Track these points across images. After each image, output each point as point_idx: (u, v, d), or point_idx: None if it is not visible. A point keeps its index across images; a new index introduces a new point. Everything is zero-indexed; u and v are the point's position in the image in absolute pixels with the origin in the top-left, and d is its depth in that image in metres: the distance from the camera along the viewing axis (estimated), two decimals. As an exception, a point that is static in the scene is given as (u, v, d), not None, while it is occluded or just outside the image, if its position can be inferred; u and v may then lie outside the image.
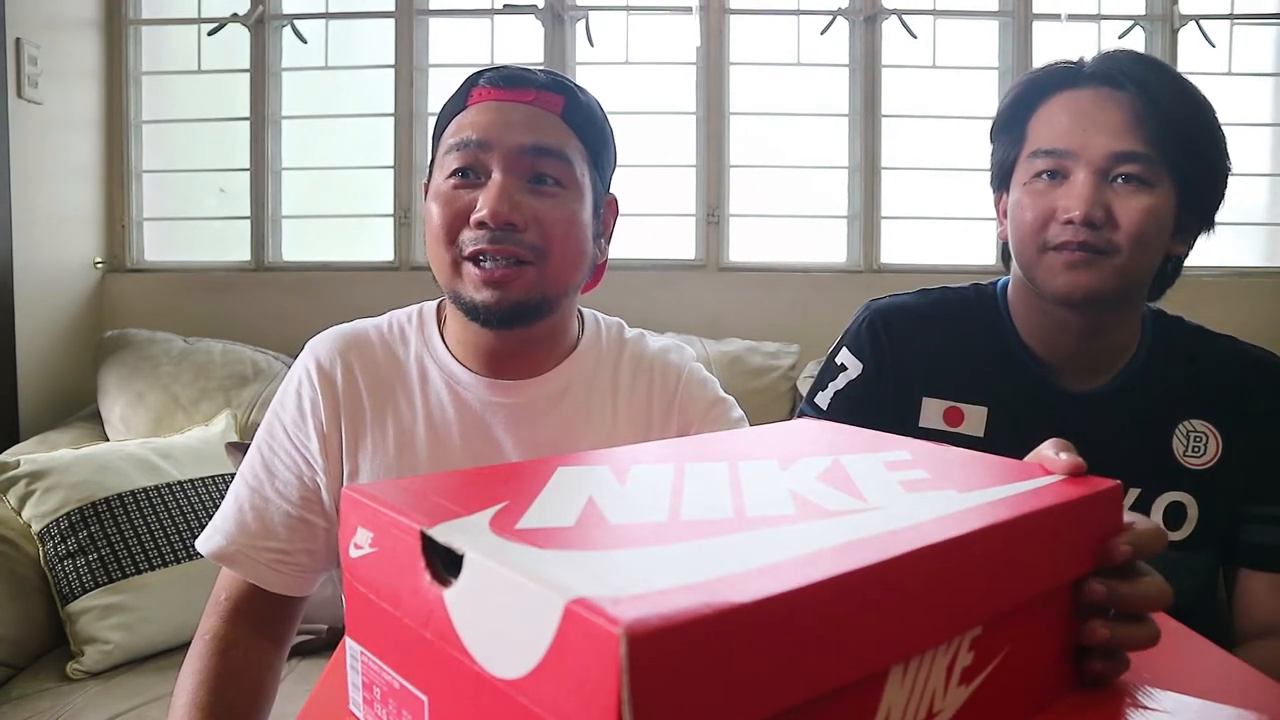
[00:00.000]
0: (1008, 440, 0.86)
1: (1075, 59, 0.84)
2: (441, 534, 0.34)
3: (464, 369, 0.83)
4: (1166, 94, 0.78)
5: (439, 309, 0.88)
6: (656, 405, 0.86)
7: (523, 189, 0.76)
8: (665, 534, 0.35)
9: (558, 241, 0.77)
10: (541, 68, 0.83)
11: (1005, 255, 0.89)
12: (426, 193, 0.82)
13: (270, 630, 0.83)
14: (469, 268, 0.76)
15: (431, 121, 2.31)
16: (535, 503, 0.39)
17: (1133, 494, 0.85)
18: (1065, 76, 0.82)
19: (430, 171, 0.82)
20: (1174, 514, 0.84)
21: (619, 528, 0.36)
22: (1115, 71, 0.80)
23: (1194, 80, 0.82)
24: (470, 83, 0.80)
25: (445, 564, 0.34)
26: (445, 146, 0.79)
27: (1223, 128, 0.82)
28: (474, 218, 0.75)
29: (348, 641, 0.41)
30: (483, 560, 0.32)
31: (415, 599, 0.35)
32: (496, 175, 0.75)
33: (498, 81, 0.79)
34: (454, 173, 0.77)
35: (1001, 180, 0.86)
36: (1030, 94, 0.85)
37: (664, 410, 0.86)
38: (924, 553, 0.34)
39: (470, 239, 0.75)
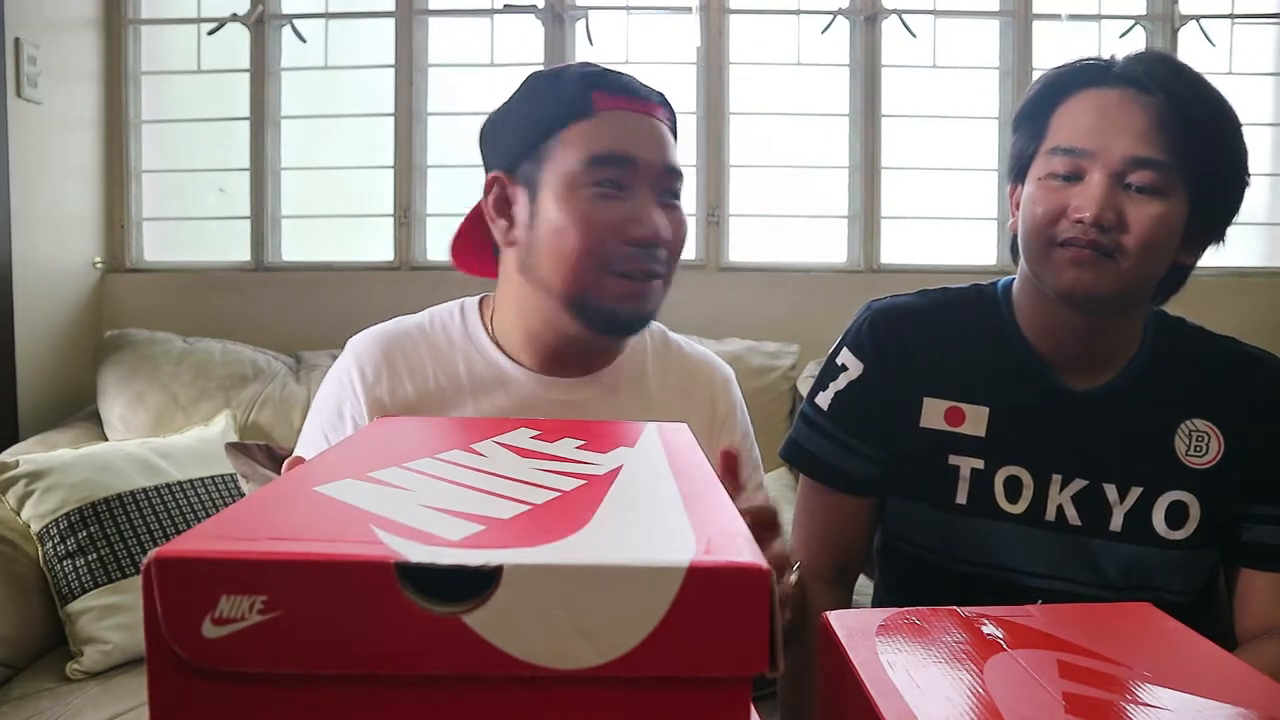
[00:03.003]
0: (1010, 440, 0.87)
1: (1107, 57, 0.83)
2: (434, 557, 0.34)
3: (514, 364, 0.85)
4: (1192, 103, 0.77)
5: (481, 304, 0.90)
6: (699, 406, 0.90)
7: (659, 205, 0.80)
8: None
9: (677, 255, 0.83)
10: (633, 76, 0.84)
11: (1014, 250, 0.88)
12: (501, 188, 0.82)
13: None
14: (614, 280, 0.78)
15: (431, 121, 2.32)
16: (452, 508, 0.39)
17: (1134, 492, 0.85)
18: (1093, 74, 0.81)
19: (528, 168, 0.80)
20: (1175, 513, 0.84)
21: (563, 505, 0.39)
22: (1143, 74, 0.79)
23: (1211, 82, 0.81)
24: (590, 84, 0.80)
25: (447, 588, 0.34)
26: (581, 154, 0.78)
27: (1245, 141, 0.81)
28: (636, 233, 0.78)
29: None
30: (543, 563, 0.33)
31: (387, 641, 0.34)
32: (648, 194, 0.79)
33: (623, 90, 0.81)
34: (599, 184, 0.78)
35: (1019, 173, 0.86)
36: (1056, 88, 0.83)
37: (706, 411, 0.90)
38: None
39: (627, 255, 0.78)
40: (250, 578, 0.34)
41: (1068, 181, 0.80)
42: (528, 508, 0.40)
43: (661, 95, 0.85)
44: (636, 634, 0.33)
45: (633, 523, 0.39)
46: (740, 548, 0.35)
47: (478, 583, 0.33)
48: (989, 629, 0.52)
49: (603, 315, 0.79)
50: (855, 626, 0.51)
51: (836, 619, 0.52)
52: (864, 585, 1.03)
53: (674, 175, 0.81)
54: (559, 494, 0.41)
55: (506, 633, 0.33)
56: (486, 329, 0.87)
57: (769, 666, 0.34)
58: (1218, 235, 0.85)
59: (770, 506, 0.64)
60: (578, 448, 0.50)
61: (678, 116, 0.88)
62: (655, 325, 0.93)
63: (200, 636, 0.34)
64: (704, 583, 0.33)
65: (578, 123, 0.79)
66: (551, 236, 0.78)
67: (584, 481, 0.42)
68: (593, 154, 0.77)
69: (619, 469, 0.46)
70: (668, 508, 0.40)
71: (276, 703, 0.35)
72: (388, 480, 0.44)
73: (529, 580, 0.33)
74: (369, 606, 0.34)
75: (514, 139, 0.82)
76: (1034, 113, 0.85)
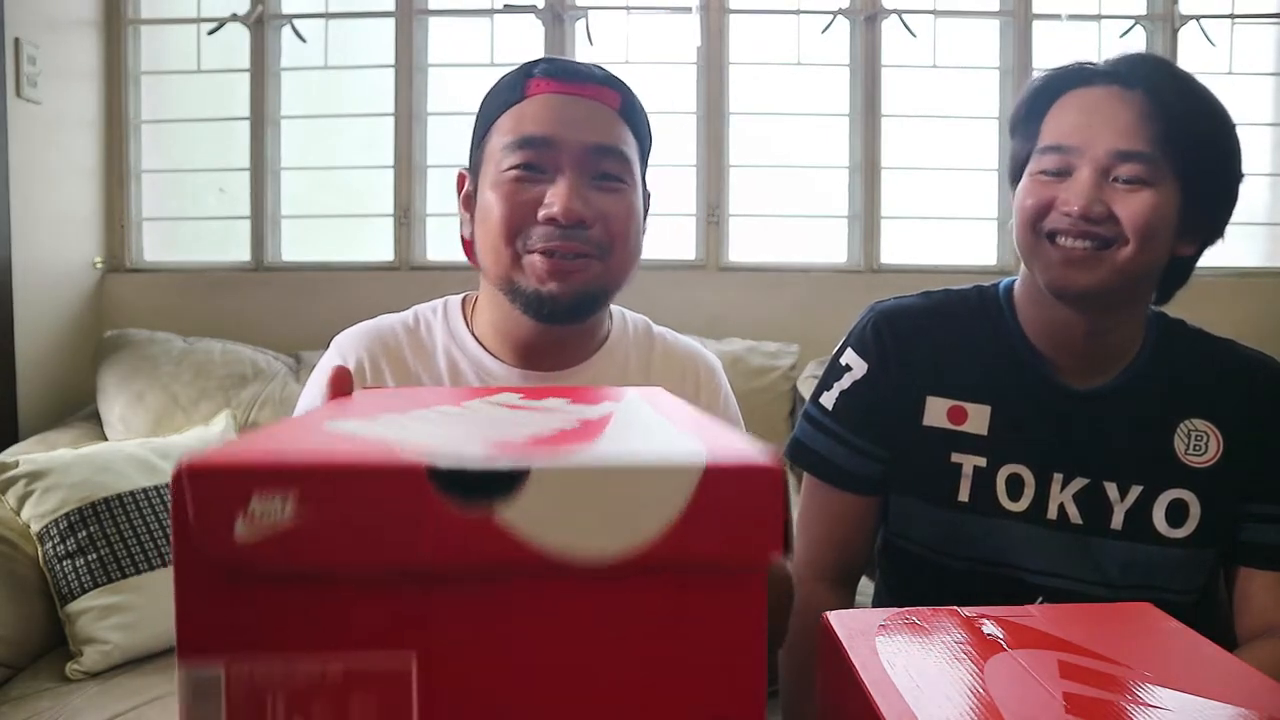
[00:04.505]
0: (1011, 438, 0.88)
1: (1093, 60, 0.85)
2: (463, 462, 0.35)
3: (495, 360, 0.84)
4: (1175, 95, 0.79)
5: (464, 302, 0.90)
6: (683, 396, 0.88)
7: (589, 186, 0.78)
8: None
9: (619, 238, 0.80)
10: (592, 63, 0.84)
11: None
12: (466, 183, 0.84)
13: None
14: (534, 260, 0.77)
15: (432, 121, 2.32)
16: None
17: (1135, 491, 0.85)
18: (1079, 75, 0.84)
19: (475, 159, 0.83)
20: (1176, 511, 0.85)
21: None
22: (1126, 72, 0.81)
23: (1198, 79, 0.82)
24: (525, 72, 0.81)
25: (477, 488, 0.36)
26: (505, 139, 0.79)
27: (1236, 133, 0.82)
28: (543, 214, 0.76)
29: (187, 673, 0.37)
30: (569, 465, 0.36)
31: (419, 539, 0.36)
32: (567, 173, 0.77)
33: (556, 74, 0.80)
34: (517, 166, 0.77)
35: (1016, 175, 0.87)
36: (1046, 92, 0.86)
37: (690, 401, 0.87)
38: None
39: (540, 235, 0.77)
40: (283, 480, 0.35)
41: (1057, 177, 0.81)
42: (536, 434, 0.41)
43: (607, 76, 0.82)
44: (657, 527, 0.36)
45: (643, 439, 0.41)
46: (750, 451, 0.37)
47: (505, 485, 0.35)
48: (989, 629, 0.52)
49: (530, 297, 0.78)
50: (855, 626, 0.51)
51: (836, 619, 0.52)
52: (864, 585, 1.03)
53: (604, 154, 0.78)
54: (561, 429, 0.43)
55: (535, 528, 0.35)
56: (468, 325, 0.87)
57: (784, 551, 0.38)
58: (1217, 229, 0.85)
59: None
60: (567, 402, 0.51)
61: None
62: (639, 318, 0.93)
63: (232, 539, 0.35)
64: (720, 479, 0.36)
65: (509, 109, 0.80)
66: (482, 223, 0.80)
67: (581, 422, 0.44)
68: (513, 137, 0.78)
69: (611, 414, 0.47)
70: (671, 432, 0.42)
71: (308, 604, 0.36)
72: (394, 421, 0.44)
73: (556, 480, 0.35)
74: (401, 507, 0.35)
75: (472, 134, 0.85)
76: (1027, 116, 0.87)
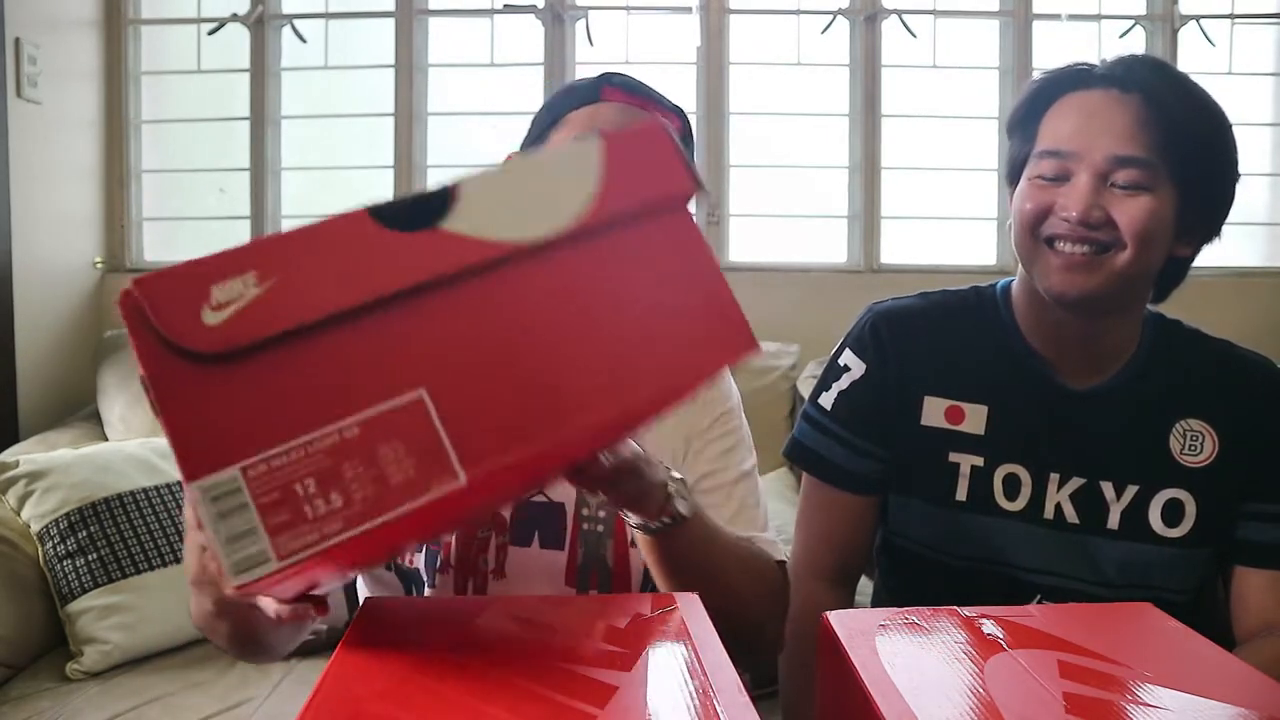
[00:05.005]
0: (1009, 437, 0.88)
1: (1091, 61, 0.85)
2: (396, 200, 0.40)
3: None
4: (1172, 99, 0.79)
5: None
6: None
7: None
8: None
9: None
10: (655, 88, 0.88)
11: None
12: None
13: None
14: None
15: (432, 121, 2.32)
16: None
17: (1131, 491, 0.86)
18: (1077, 78, 0.84)
19: (537, 145, 0.85)
20: (1172, 511, 0.85)
21: None
22: (1123, 74, 0.81)
23: (1194, 80, 0.83)
24: (604, 79, 0.84)
25: (413, 215, 0.39)
26: (574, 134, 0.81)
27: (1233, 134, 0.82)
28: None
29: (197, 487, 0.35)
30: (488, 171, 0.41)
31: (380, 267, 0.38)
32: None
33: (630, 88, 0.84)
34: None
35: (1014, 176, 0.88)
36: (1043, 94, 0.86)
37: (691, 403, 0.88)
38: None
39: None
40: (236, 263, 0.37)
41: (1055, 182, 0.81)
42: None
43: (676, 107, 0.87)
44: (584, 196, 0.42)
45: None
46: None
47: (440, 205, 0.40)
48: (989, 629, 0.52)
49: None
50: (855, 626, 0.51)
51: (836, 619, 0.52)
52: (864, 585, 1.03)
53: None
54: None
55: (477, 224, 0.40)
56: None
57: (694, 186, 0.44)
58: (1214, 229, 0.85)
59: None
60: None
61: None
62: None
63: (203, 326, 0.36)
64: (618, 144, 0.43)
65: (582, 108, 0.82)
66: None
67: None
68: (580, 134, 0.80)
69: None
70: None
71: (301, 368, 0.37)
72: None
73: (483, 186, 0.41)
74: (355, 249, 0.38)
75: (533, 125, 0.87)
76: (1025, 118, 0.87)
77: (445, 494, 0.37)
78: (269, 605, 0.48)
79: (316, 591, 0.50)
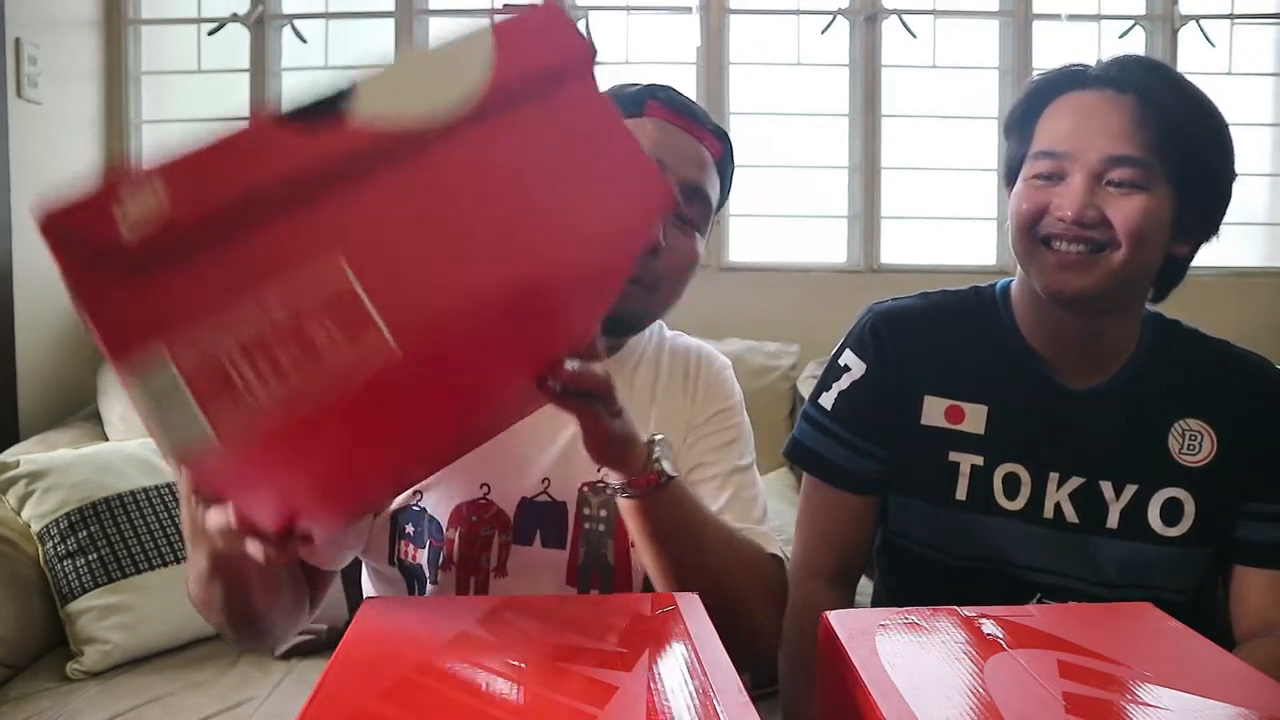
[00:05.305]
0: (1008, 437, 0.88)
1: (1086, 62, 0.86)
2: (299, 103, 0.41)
3: None
4: (1167, 98, 0.80)
5: None
6: (688, 393, 0.89)
7: (670, 221, 0.81)
8: None
9: (673, 277, 0.83)
10: (701, 108, 0.88)
11: None
12: None
13: (296, 589, 0.79)
14: None
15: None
16: None
17: (1130, 490, 0.86)
18: (1072, 79, 0.84)
19: None
20: (1171, 510, 0.85)
21: None
22: (1118, 75, 0.81)
23: (1194, 80, 0.83)
24: (649, 93, 0.83)
25: (315, 111, 0.40)
26: None
27: (1229, 134, 0.83)
28: None
29: (127, 370, 0.36)
30: (384, 65, 0.43)
31: (291, 160, 0.39)
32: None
33: (675, 105, 0.83)
34: None
35: (1011, 177, 0.88)
36: (1040, 95, 0.86)
37: (692, 397, 0.89)
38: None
39: None
40: (147, 175, 0.38)
41: (1051, 181, 0.82)
42: None
43: (719, 128, 0.86)
44: (480, 73, 0.43)
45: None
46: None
47: (345, 98, 0.41)
48: (989, 629, 0.52)
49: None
50: (855, 626, 0.51)
51: (837, 619, 0.52)
52: (864, 585, 1.03)
53: (694, 196, 0.82)
54: None
55: (381, 111, 0.40)
56: None
57: (590, 49, 0.46)
58: (1212, 228, 0.86)
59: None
60: None
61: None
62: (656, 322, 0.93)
63: (119, 234, 0.37)
64: (510, 24, 0.45)
65: (626, 120, 0.81)
66: None
67: None
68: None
69: None
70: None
71: (220, 256, 0.37)
72: None
73: (381, 77, 0.42)
74: (261, 149, 0.39)
75: None
76: (1021, 119, 0.88)
77: (382, 364, 0.37)
78: (256, 549, 0.49)
79: (303, 534, 0.51)
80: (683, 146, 0.82)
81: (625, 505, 0.71)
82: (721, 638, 0.50)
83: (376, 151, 0.40)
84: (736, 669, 0.46)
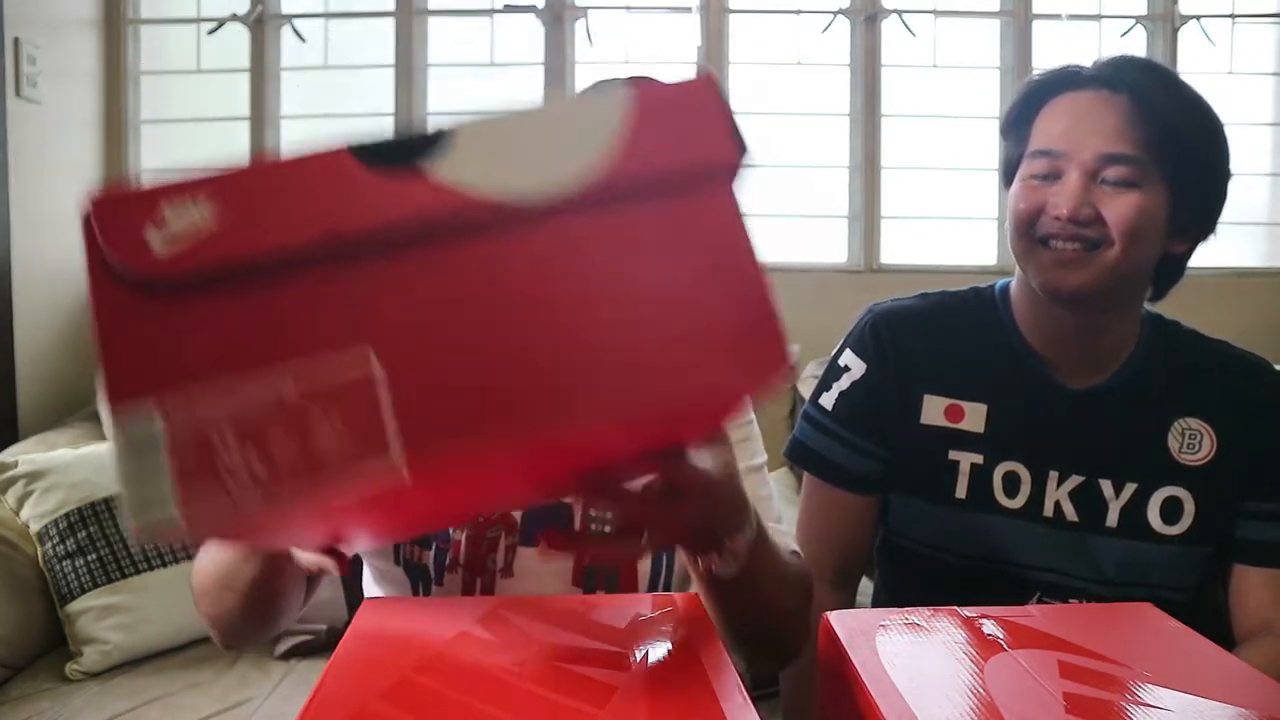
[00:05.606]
0: (1008, 435, 0.88)
1: (1082, 63, 0.87)
2: (382, 139, 0.34)
3: None
4: (1160, 97, 0.81)
5: None
6: None
7: None
8: None
9: None
10: None
11: None
12: None
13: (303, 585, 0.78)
14: None
15: (431, 121, 2.32)
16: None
17: (1129, 489, 0.86)
18: (1067, 79, 0.85)
19: None
20: (1171, 508, 0.86)
21: None
22: (1113, 75, 0.83)
23: (1195, 80, 0.84)
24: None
25: (397, 154, 0.34)
26: None
27: (1225, 133, 0.83)
28: None
29: (114, 413, 0.32)
30: (494, 116, 0.34)
31: (352, 209, 0.33)
32: None
33: None
34: None
35: (1008, 177, 0.89)
36: (1035, 95, 0.87)
37: None
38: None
39: None
40: (196, 189, 0.32)
41: (1046, 181, 0.83)
42: None
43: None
44: (598, 150, 0.34)
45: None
46: (683, 76, 0.36)
47: (431, 147, 0.33)
48: (989, 629, 0.52)
49: None
50: (855, 626, 0.51)
51: (837, 619, 0.52)
52: (864, 585, 1.03)
53: None
54: None
55: (468, 174, 0.33)
56: None
57: (737, 153, 0.35)
58: (1208, 226, 0.86)
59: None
60: None
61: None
62: None
63: (149, 252, 0.32)
64: (653, 93, 0.35)
65: None
66: None
67: None
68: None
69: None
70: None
71: (242, 309, 0.32)
72: None
73: (483, 130, 0.34)
74: (325, 186, 0.32)
75: None
76: (1018, 120, 0.88)
77: (381, 484, 0.32)
78: (301, 556, 0.48)
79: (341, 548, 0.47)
80: None
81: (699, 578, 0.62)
82: (759, 646, 0.48)
83: (451, 224, 0.33)
84: (737, 669, 0.46)
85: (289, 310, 0.32)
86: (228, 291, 0.32)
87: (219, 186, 0.33)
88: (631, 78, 0.37)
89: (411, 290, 0.33)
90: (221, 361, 0.32)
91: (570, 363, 0.34)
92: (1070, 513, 0.86)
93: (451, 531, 0.79)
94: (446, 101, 2.34)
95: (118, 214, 0.32)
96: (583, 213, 0.34)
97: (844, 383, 0.93)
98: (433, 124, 0.34)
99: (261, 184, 0.33)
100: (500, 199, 0.33)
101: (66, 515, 1.46)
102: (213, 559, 0.68)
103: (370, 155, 0.33)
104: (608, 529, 0.79)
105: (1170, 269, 0.87)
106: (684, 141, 0.35)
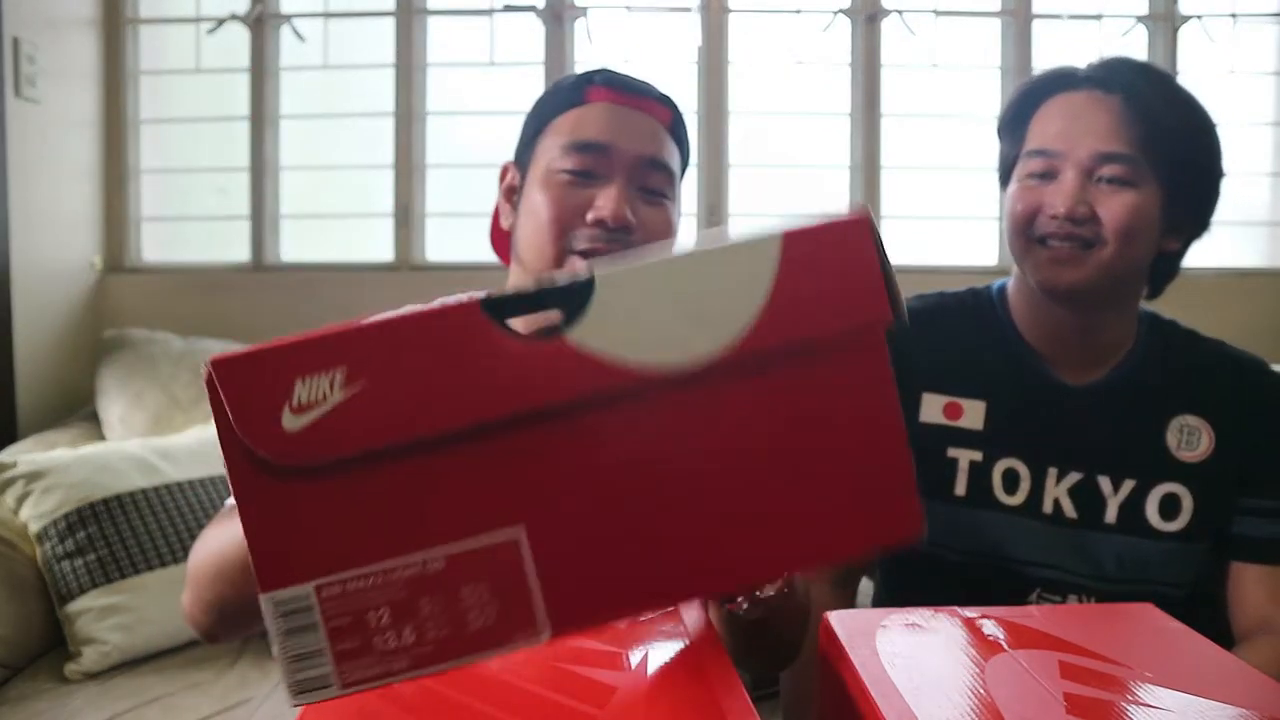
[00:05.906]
0: (1007, 433, 0.89)
1: (1077, 64, 0.88)
2: (519, 290, 0.32)
3: None
4: (1153, 97, 0.82)
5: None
6: None
7: (635, 196, 0.79)
8: None
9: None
10: (646, 80, 0.86)
11: None
12: (511, 175, 0.85)
13: None
14: (575, 261, 0.78)
15: (431, 121, 2.32)
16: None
17: (1128, 485, 0.87)
18: (1062, 80, 0.86)
19: (525, 156, 0.83)
20: (1169, 505, 0.86)
21: None
22: (1107, 75, 0.84)
23: (1195, 79, 0.84)
24: (586, 79, 0.82)
25: (536, 308, 0.32)
26: (562, 140, 0.79)
27: (1218, 132, 0.85)
28: (592, 215, 0.77)
29: (269, 599, 0.32)
30: (637, 265, 0.31)
31: (486, 381, 0.31)
32: (617, 180, 0.78)
33: (616, 84, 0.81)
34: (570, 170, 0.78)
35: (1005, 178, 0.91)
36: (1031, 96, 0.89)
37: None
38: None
39: (585, 236, 0.77)
40: (324, 355, 0.30)
41: (1043, 180, 0.84)
42: None
43: (663, 95, 0.84)
44: (746, 311, 0.32)
45: (711, 241, 0.35)
46: (829, 215, 0.33)
47: (568, 301, 0.31)
48: (989, 629, 0.52)
49: None
50: (856, 626, 0.51)
51: (837, 619, 0.52)
52: (864, 585, 1.03)
53: (653, 167, 0.80)
54: None
55: (610, 339, 0.31)
56: None
57: (891, 311, 0.33)
58: (1201, 223, 0.87)
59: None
60: None
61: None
62: None
63: (283, 432, 0.30)
64: (803, 243, 0.33)
65: (567, 112, 0.81)
66: (527, 218, 0.80)
67: None
68: (570, 140, 0.79)
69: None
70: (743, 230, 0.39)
71: (387, 489, 0.31)
72: None
73: (625, 282, 0.32)
74: (460, 352, 0.31)
75: (523, 130, 0.86)
76: (1014, 120, 0.90)
77: (524, 646, 0.33)
78: None
79: None
80: (633, 123, 0.80)
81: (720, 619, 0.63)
82: (761, 665, 0.48)
83: (592, 395, 0.32)
84: (737, 669, 0.46)
85: (433, 490, 0.32)
86: (365, 473, 0.31)
87: (350, 355, 0.31)
88: (785, 223, 0.33)
89: (554, 462, 0.32)
90: (370, 546, 0.32)
91: (706, 532, 0.33)
92: (1069, 509, 0.87)
93: None
94: (446, 101, 2.34)
95: (249, 393, 0.31)
96: (730, 377, 0.33)
97: None
98: (567, 275, 0.32)
99: (395, 352, 0.31)
100: (646, 370, 0.32)
101: (66, 515, 1.46)
102: (220, 544, 0.67)
103: (503, 310, 0.32)
104: None
105: (1165, 266, 0.88)
106: (836, 300, 0.33)
